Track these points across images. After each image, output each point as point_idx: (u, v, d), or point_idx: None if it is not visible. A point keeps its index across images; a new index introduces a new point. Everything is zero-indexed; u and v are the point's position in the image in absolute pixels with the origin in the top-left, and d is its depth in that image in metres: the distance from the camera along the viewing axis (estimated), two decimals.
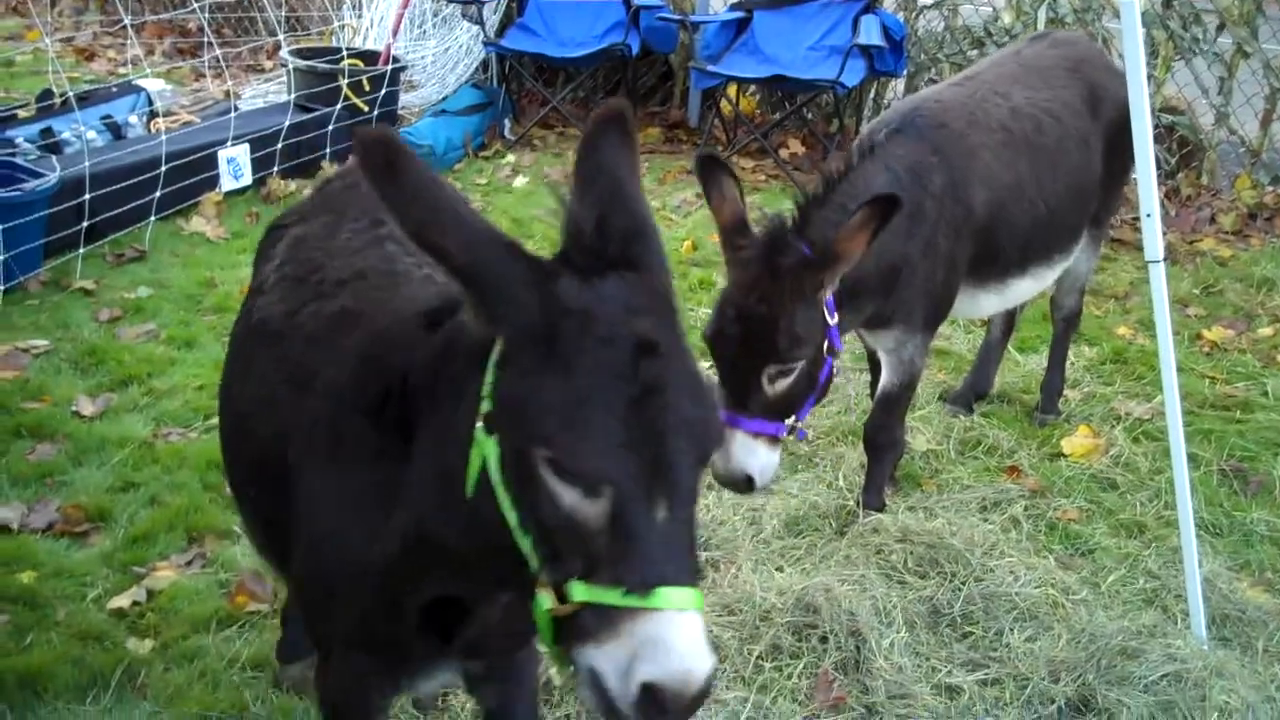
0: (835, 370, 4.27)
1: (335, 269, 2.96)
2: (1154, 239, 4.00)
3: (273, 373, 2.87)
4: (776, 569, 4.61)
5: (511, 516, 2.09)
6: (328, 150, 8.89)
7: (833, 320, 4.12)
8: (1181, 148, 9.40)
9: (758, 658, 4.16)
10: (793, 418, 4.12)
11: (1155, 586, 4.64)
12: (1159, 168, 9.23)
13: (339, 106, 8.94)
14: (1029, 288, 5.26)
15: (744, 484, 4.05)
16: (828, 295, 4.09)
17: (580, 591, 2.00)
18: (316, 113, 8.91)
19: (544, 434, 1.99)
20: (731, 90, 10.17)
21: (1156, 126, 9.21)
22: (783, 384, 4.03)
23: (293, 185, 8.44)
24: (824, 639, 4.23)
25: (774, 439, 4.08)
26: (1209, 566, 4.68)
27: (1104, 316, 7.18)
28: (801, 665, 4.15)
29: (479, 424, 2.12)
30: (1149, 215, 4.00)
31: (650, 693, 1.95)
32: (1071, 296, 5.89)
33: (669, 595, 1.95)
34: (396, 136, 2.08)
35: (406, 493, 2.38)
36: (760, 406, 4.03)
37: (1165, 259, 4.08)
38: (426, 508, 2.34)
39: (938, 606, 4.44)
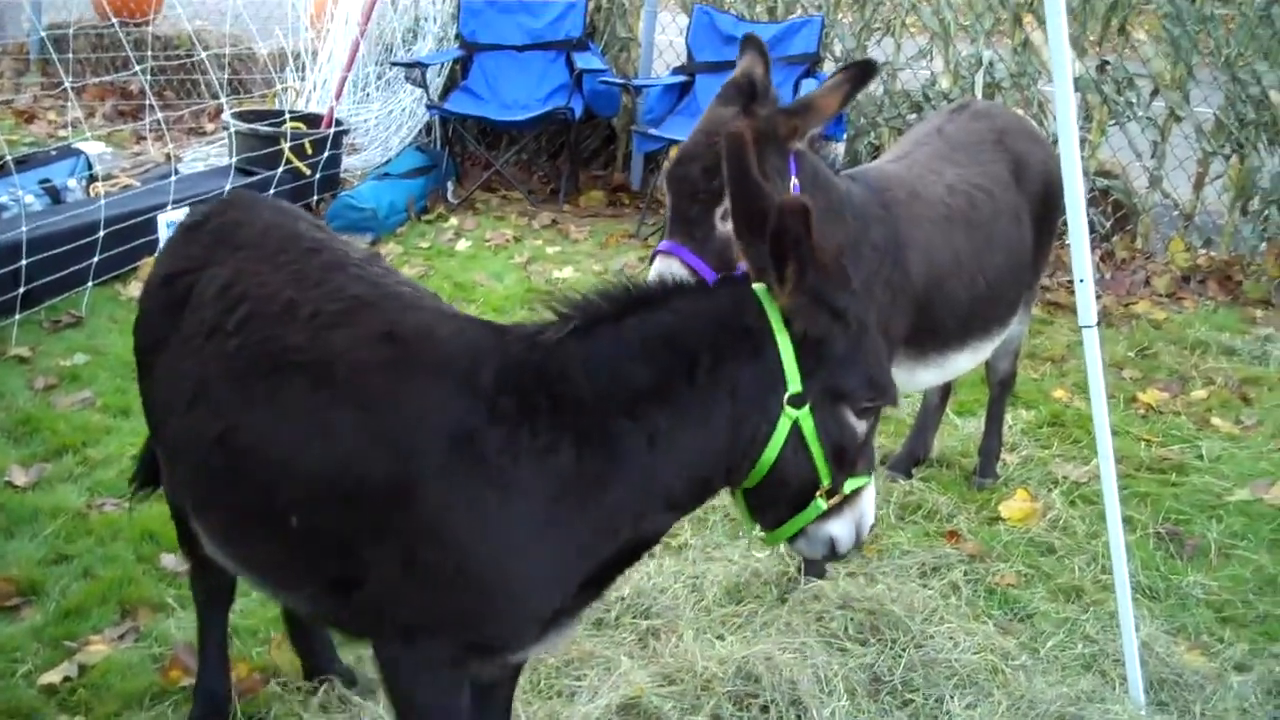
0: None
1: (317, 298, 3.17)
2: (1087, 304, 4.06)
3: (325, 402, 3.02)
4: (717, 637, 4.60)
5: (819, 457, 2.94)
6: None
7: (794, 179, 4.16)
8: (1116, 211, 9.55)
9: None
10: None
11: (1093, 651, 4.66)
12: (1094, 231, 9.39)
13: (281, 169, 8.94)
14: (967, 361, 5.29)
15: None
16: (796, 145, 4.18)
17: (852, 483, 3.02)
18: (258, 176, 8.89)
19: (873, 390, 2.97)
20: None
21: (1091, 190, 9.37)
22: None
23: None
24: (765, 709, 4.21)
25: None
26: (1146, 630, 4.71)
27: (1041, 379, 7.25)
28: None
29: (785, 403, 2.90)
30: (1082, 281, 4.06)
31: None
32: (1006, 360, 5.94)
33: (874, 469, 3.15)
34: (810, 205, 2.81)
35: (621, 488, 2.92)
36: (706, 246, 4.05)
37: (1099, 323, 4.14)
38: (664, 489, 2.97)
39: (878, 674, 4.44)
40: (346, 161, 10.18)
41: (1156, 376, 7.39)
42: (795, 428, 2.92)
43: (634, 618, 4.70)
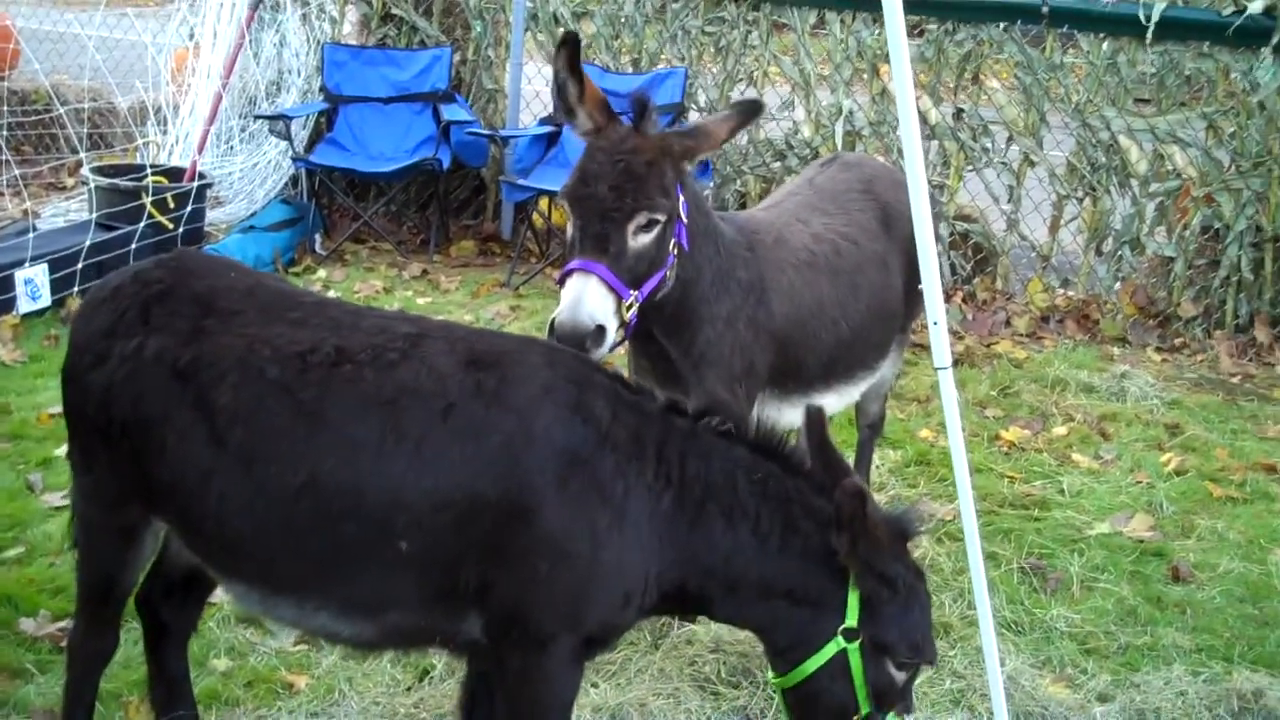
0: (669, 276, 4.34)
1: (365, 341, 3.37)
2: (941, 347, 4.15)
3: (430, 434, 3.26)
4: (591, 685, 4.59)
5: (861, 690, 3.38)
6: None
7: (684, 212, 4.32)
8: (976, 254, 9.79)
9: None
10: (636, 292, 4.17)
11: (961, 687, 4.74)
12: (954, 273, 9.61)
13: (143, 224, 8.78)
14: (833, 403, 5.36)
15: (594, 335, 4.03)
16: (690, 168, 4.34)
17: (890, 718, 3.44)
18: (119, 231, 8.73)
19: (911, 651, 3.40)
20: (543, 203, 10.26)
21: (951, 234, 9.59)
22: (644, 239, 4.16)
23: None
24: None
25: (619, 299, 4.11)
26: (1012, 664, 4.80)
27: (907, 420, 7.37)
28: None
29: (838, 629, 3.37)
30: (936, 323, 4.14)
31: None
32: (876, 403, 6.03)
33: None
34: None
35: (693, 554, 3.41)
36: (619, 261, 4.12)
37: (959, 364, 4.23)
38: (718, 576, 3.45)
39: (750, 716, 4.47)
40: (211, 215, 10.03)
41: (1018, 414, 7.56)
42: (842, 655, 3.38)
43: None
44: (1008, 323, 9.22)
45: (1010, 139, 9.65)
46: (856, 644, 3.37)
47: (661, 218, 4.19)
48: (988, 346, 8.76)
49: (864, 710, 3.41)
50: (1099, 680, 4.83)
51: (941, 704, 4.64)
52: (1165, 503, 6.43)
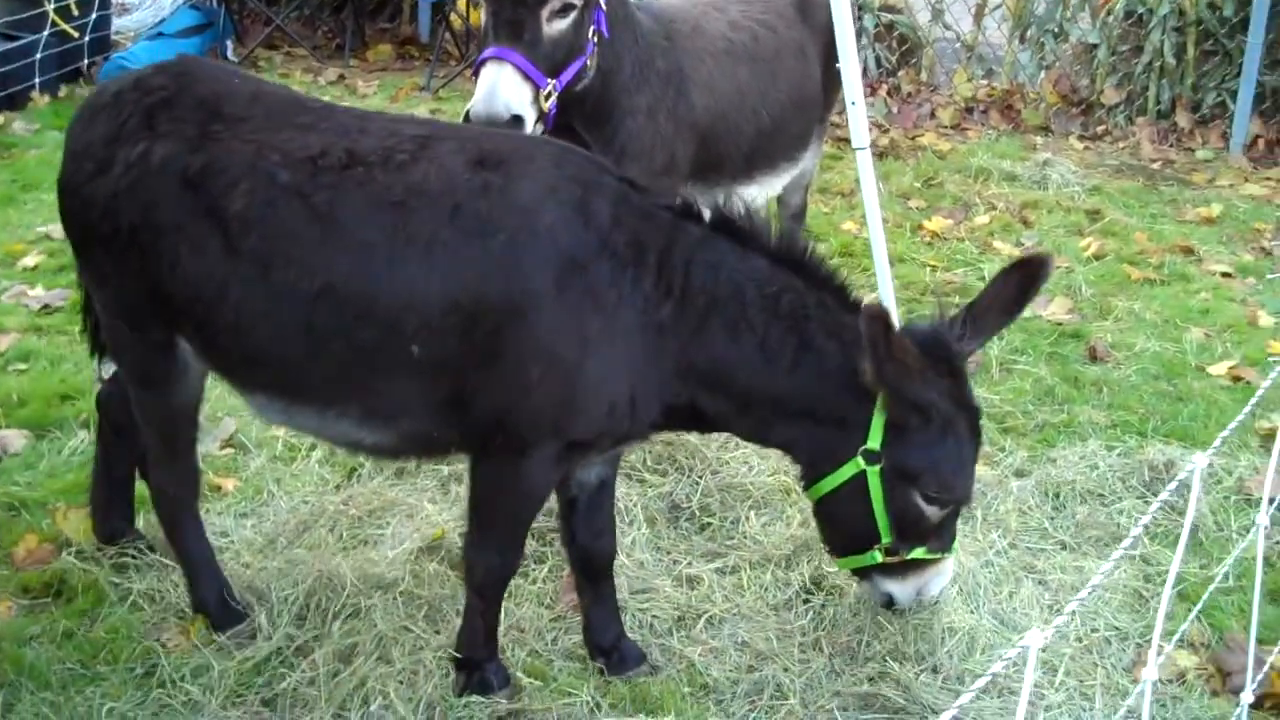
0: (589, 67, 4.28)
1: (375, 144, 3.32)
2: (860, 127, 4.13)
3: (440, 233, 3.23)
4: None
5: (880, 516, 3.32)
6: (37, 80, 8.49)
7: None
8: (901, 45, 9.70)
9: None
10: (554, 81, 4.12)
11: None
12: (879, 66, 9.52)
13: (46, 33, 8.51)
14: (757, 194, 5.33)
15: (510, 125, 4.01)
16: None
17: (919, 553, 3.40)
18: (22, 40, 8.46)
19: (940, 486, 3.31)
20: (461, 3, 10.02)
21: (876, 25, 9.48)
22: (560, 25, 4.11)
23: (0, 117, 8.01)
24: None
25: (537, 88, 4.08)
26: None
27: (831, 213, 7.38)
28: (546, 570, 4.21)
29: (859, 450, 3.29)
30: (854, 104, 4.12)
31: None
32: (797, 194, 6.00)
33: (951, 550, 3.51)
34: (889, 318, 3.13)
35: (696, 362, 3.33)
36: (536, 49, 4.06)
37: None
38: (730, 386, 3.37)
39: (676, 502, 4.54)
40: (117, 22, 9.75)
41: (941, 205, 7.59)
42: (861, 477, 3.32)
43: (435, 465, 4.71)
44: (932, 115, 9.20)
45: None
46: (877, 468, 3.29)
47: (578, 1, 4.09)
48: (912, 139, 8.74)
49: (884, 538, 3.37)
50: (1016, 457, 4.95)
51: None
52: (1084, 286, 6.52)
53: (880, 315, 3.09)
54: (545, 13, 4.06)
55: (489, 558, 3.55)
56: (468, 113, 4.02)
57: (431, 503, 4.50)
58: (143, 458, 4.04)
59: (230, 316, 3.35)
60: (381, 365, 3.31)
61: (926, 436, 3.26)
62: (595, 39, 4.26)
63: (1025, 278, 3.35)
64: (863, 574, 3.56)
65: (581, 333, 3.24)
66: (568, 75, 4.18)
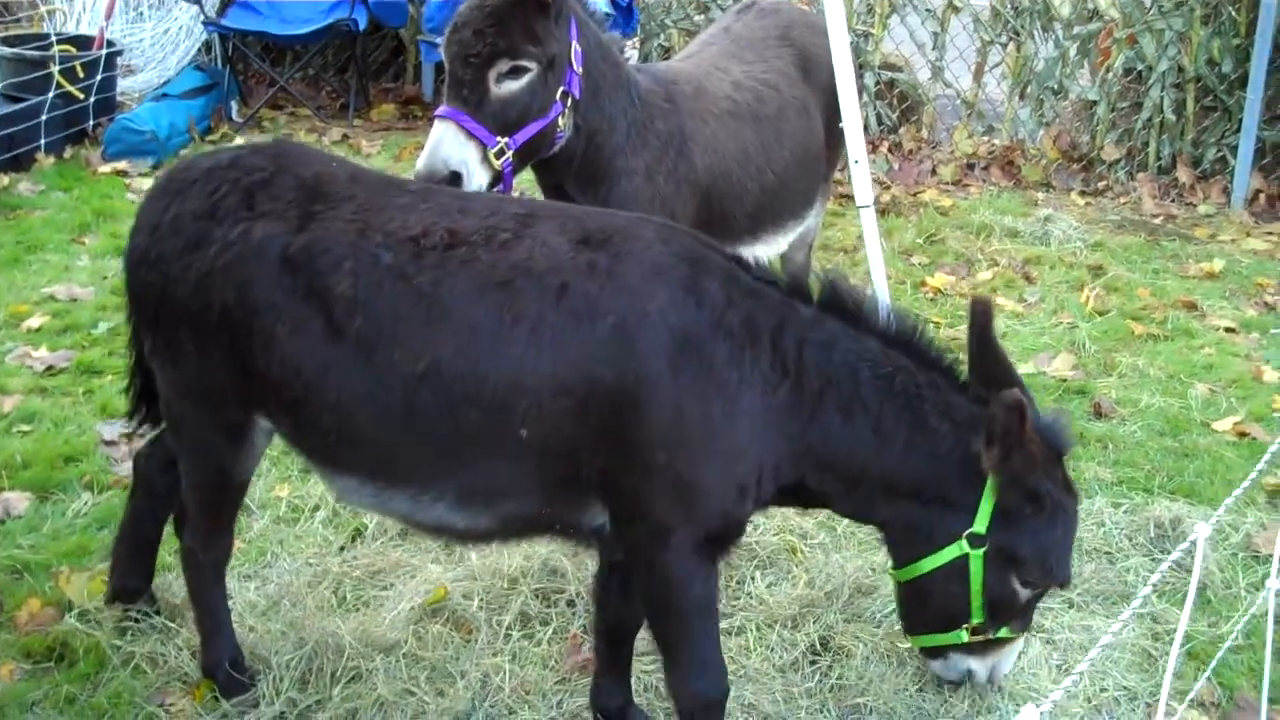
0: (562, 127, 4.30)
1: (476, 223, 3.31)
2: (863, 184, 4.14)
3: (546, 313, 3.19)
4: None
5: (976, 598, 3.35)
6: (42, 141, 8.52)
7: (578, 62, 4.25)
8: (902, 103, 9.75)
9: (507, 628, 4.18)
10: (506, 138, 4.13)
11: None
12: (881, 123, 9.57)
13: (52, 94, 8.57)
14: (762, 252, 5.35)
15: (449, 181, 4.03)
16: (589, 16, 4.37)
17: (1004, 631, 3.46)
18: (27, 102, 8.51)
19: (1043, 572, 3.35)
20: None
21: (877, 83, 9.54)
22: (510, 86, 4.12)
23: (5, 179, 8.05)
24: (571, 603, 4.28)
25: (484, 146, 4.09)
26: None
27: (834, 269, 7.39)
28: (551, 631, 4.19)
29: (963, 533, 3.30)
30: (857, 162, 4.14)
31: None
32: (801, 253, 6.01)
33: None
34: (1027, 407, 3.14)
35: (810, 445, 3.30)
36: (482, 109, 4.09)
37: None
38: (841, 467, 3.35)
39: None
40: (122, 84, 9.78)
41: (944, 261, 7.60)
42: (963, 560, 3.32)
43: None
44: (933, 171, 9.23)
45: None
46: (981, 551, 3.29)
47: (530, 65, 4.12)
48: (914, 195, 8.76)
49: (975, 619, 3.39)
50: None
51: (868, 543, 4.65)
52: (1088, 342, 6.51)
53: (1018, 405, 3.09)
54: (493, 75, 4.11)
55: (694, 686, 3.43)
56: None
57: (435, 563, 4.48)
58: (175, 518, 4.03)
59: (330, 398, 3.31)
60: (486, 448, 3.27)
61: (1037, 524, 3.29)
62: (567, 101, 4.29)
63: (976, 327, 3.38)
64: (937, 651, 3.57)
65: (705, 414, 3.20)
66: (524, 135, 4.20)
